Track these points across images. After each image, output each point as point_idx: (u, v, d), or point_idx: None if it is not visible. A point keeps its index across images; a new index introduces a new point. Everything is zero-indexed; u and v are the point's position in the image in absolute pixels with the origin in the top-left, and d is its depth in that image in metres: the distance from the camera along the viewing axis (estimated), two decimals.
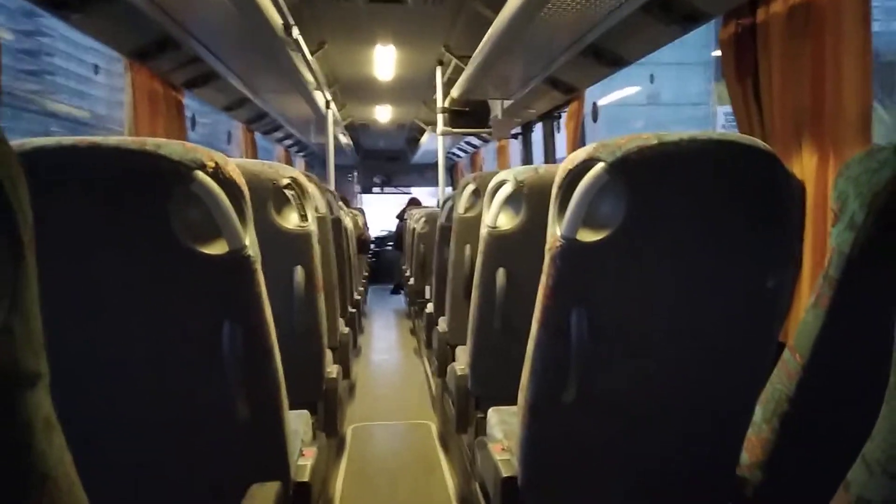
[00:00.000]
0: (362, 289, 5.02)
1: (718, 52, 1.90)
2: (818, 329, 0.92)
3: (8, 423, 0.32)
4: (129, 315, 0.89)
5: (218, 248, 0.87)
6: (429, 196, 9.26)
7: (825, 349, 0.93)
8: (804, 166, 1.61)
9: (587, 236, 0.92)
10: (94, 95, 19.83)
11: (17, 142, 0.81)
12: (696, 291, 0.97)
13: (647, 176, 0.90)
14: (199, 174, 0.83)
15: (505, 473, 1.13)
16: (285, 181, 1.47)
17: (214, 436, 0.98)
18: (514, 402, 1.13)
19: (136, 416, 0.94)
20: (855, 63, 1.48)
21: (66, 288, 0.85)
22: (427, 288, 3.85)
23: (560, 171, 0.97)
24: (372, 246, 8.24)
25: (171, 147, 0.83)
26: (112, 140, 0.82)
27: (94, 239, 0.85)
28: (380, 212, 9.49)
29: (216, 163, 0.86)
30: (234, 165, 0.91)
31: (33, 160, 0.80)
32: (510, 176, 1.59)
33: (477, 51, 2.96)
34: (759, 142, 0.92)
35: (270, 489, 0.97)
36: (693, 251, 0.95)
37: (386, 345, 4.96)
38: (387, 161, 9.48)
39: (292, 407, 1.09)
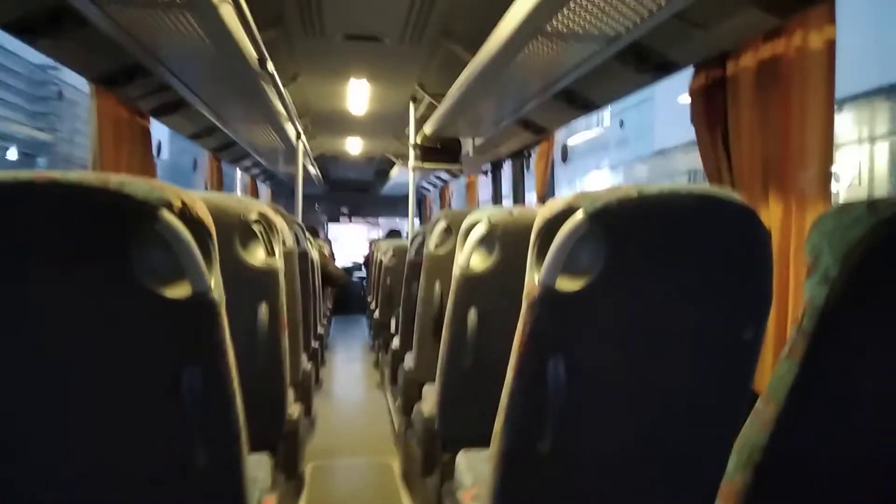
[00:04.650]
0: (326, 321, 4.94)
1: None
2: (792, 380, 0.92)
3: None
4: (85, 359, 0.84)
5: (181, 291, 0.83)
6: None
7: (799, 400, 0.93)
8: (770, 215, 1.65)
9: (566, 285, 0.92)
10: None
11: None
12: (674, 342, 0.97)
13: (627, 227, 0.90)
14: (165, 214, 0.80)
15: None
16: (253, 216, 1.44)
17: (171, 488, 0.93)
18: (482, 444, 1.10)
19: (89, 466, 0.89)
20: (818, 118, 1.54)
21: (17, 329, 0.80)
22: (393, 321, 3.81)
23: (539, 218, 0.96)
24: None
25: (136, 185, 0.79)
26: (73, 176, 0.78)
27: (50, 280, 0.80)
28: (347, 241, 9.43)
29: (183, 201, 0.83)
30: (202, 204, 0.87)
31: None
32: (484, 217, 1.58)
33: (451, 90, 2.98)
34: (736, 196, 0.93)
35: None
36: (672, 302, 0.95)
37: (348, 378, 4.87)
38: (355, 192, 9.45)
39: (251, 449, 1.04)
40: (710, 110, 1.84)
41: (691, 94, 1.91)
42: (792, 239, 1.59)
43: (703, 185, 0.96)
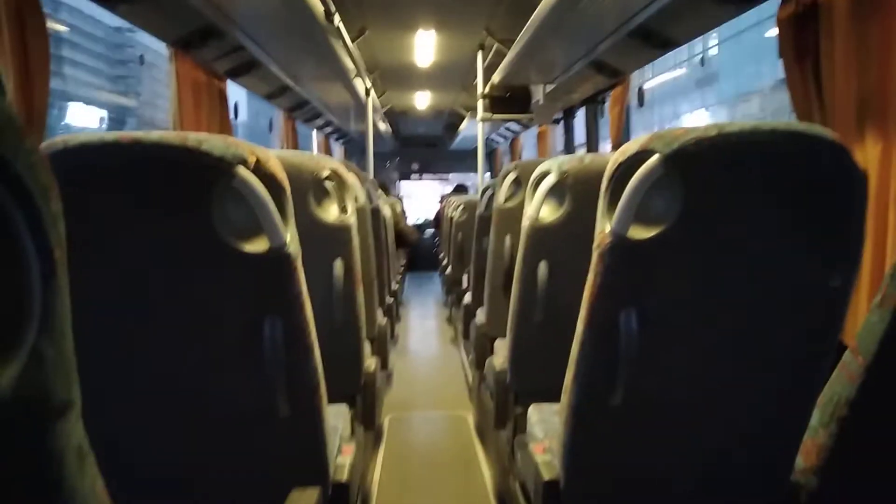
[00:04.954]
0: (400, 277, 5.03)
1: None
2: (883, 330, 0.86)
3: (36, 457, 0.31)
4: (169, 311, 0.88)
5: (259, 245, 0.86)
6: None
7: (890, 352, 0.87)
8: (867, 155, 1.53)
9: (639, 233, 0.88)
10: None
11: (61, 138, 0.81)
12: (754, 291, 0.92)
13: (706, 169, 0.85)
14: (241, 169, 0.82)
15: (547, 477, 1.10)
16: (326, 173, 1.46)
17: (254, 436, 0.98)
18: (554, 398, 1.10)
19: (175, 416, 0.95)
20: None
21: (106, 284, 0.85)
22: (464, 277, 3.83)
23: (611, 163, 0.92)
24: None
25: (213, 142, 0.82)
26: (154, 135, 0.82)
27: (135, 234, 0.85)
28: (418, 198, 9.49)
29: (258, 157, 0.85)
30: (276, 160, 0.90)
31: (78, 156, 0.80)
32: (554, 166, 1.54)
33: (520, 35, 2.90)
34: (826, 132, 0.86)
35: (311, 495, 0.97)
36: (753, 249, 0.90)
37: (423, 334, 4.97)
38: (425, 147, 9.45)
39: (330, 400, 1.08)
40: (801, 41, 1.70)
41: (779, 24, 1.76)
42: (892, 181, 1.47)
43: (790, 122, 0.89)
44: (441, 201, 7.85)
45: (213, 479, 1.00)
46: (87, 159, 0.81)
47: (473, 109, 4.83)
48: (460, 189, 8.13)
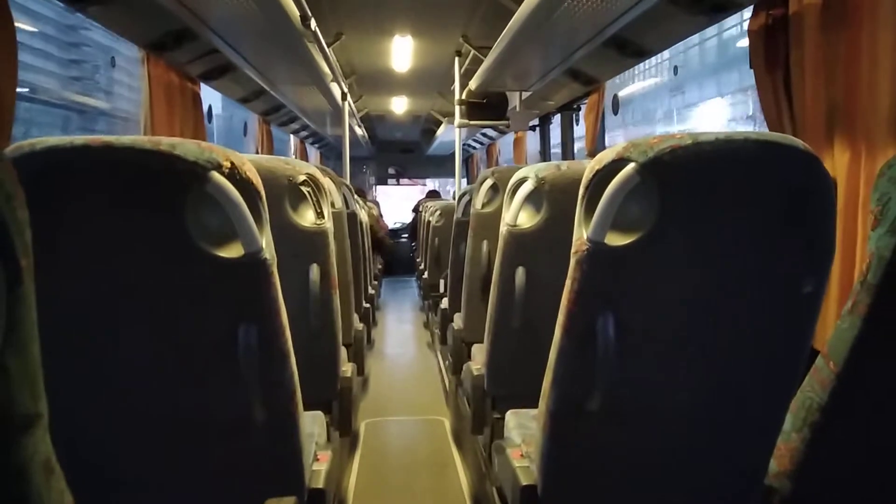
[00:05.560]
0: (376, 282, 5.00)
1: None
2: (854, 337, 0.88)
3: (1, 470, 0.29)
4: (142, 318, 0.87)
5: (233, 251, 0.85)
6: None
7: (861, 358, 0.89)
8: (835, 163, 1.56)
9: (616, 240, 0.89)
10: None
11: (28, 141, 0.79)
12: (728, 298, 0.94)
13: (681, 177, 0.86)
14: (215, 175, 0.81)
15: (524, 482, 1.10)
16: (301, 178, 1.45)
17: (229, 444, 0.96)
18: (531, 403, 1.11)
19: (148, 425, 0.93)
20: (891, 57, 1.42)
21: (77, 290, 0.83)
22: (441, 282, 3.83)
23: (588, 171, 0.93)
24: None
25: (186, 147, 0.81)
26: (126, 139, 0.80)
27: (106, 240, 0.83)
28: (394, 203, 9.47)
29: (232, 162, 0.84)
30: (251, 165, 0.88)
31: (46, 160, 0.78)
32: (531, 173, 1.55)
33: (496, 42, 2.91)
34: (798, 141, 0.88)
35: (287, 503, 0.96)
36: (727, 256, 0.91)
37: (400, 339, 4.95)
38: (402, 152, 9.45)
39: (306, 407, 1.07)
40: (771, 52, 1.74)
41: (750, 36, 1.80)
42: (861, 188, 1.50)
43: (763, 131, 0.91)
44: (415, 210, 7.86)
45: (187, 488, 0.98)
46: (55, 164, 0.79)
47: (450, 115, 4.85)
48: (433, 195, 8.16)
